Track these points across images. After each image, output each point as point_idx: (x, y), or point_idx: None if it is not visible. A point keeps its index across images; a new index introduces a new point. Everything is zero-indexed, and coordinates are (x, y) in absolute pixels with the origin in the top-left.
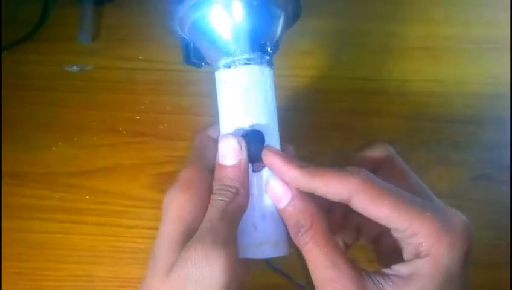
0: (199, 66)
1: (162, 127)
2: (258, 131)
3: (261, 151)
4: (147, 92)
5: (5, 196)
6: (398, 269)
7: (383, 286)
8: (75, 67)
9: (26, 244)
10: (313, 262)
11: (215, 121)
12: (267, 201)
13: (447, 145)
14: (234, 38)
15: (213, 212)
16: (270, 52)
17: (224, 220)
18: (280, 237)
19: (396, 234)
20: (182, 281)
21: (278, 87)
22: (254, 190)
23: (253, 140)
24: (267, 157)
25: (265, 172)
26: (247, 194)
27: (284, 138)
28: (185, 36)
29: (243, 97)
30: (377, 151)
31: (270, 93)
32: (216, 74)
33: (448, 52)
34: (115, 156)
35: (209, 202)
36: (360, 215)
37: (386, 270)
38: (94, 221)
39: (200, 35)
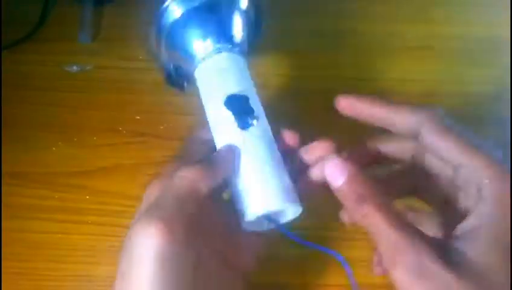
0: (182, 87)
1: (162, 127)
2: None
3: (248, 107)
4: (147, 92)
5: (5, 196)
6: (465, 224)
7: (455, 245)
8: (75, 67)
9: (26, 244)
10: (379, 231)
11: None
12: (260, 160)
13: None
14: (204, 36)
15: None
16: (239, 44)
17: (162, 196)
18: (280, 191)
19: (459, 175)
20: (122, 251)
21: (277, 87)
22: (244, 148)
23: (238, 99)
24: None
25: (254, 129)
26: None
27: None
28: (164, 59)
29: (220, 75)
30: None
31: (246, 74)
32: (196, 72)
33: (448, 52)
34: (115, 156)
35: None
36: (426, 175)
37: (454, 232)
38: (94, 221)
39: (176, 46)
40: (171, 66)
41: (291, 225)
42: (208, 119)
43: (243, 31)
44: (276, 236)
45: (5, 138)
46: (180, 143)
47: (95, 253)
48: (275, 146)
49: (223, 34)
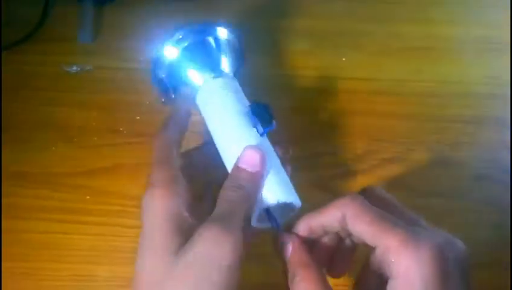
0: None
1: None
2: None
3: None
4: (147, 92)
5: (5, 196)
6: None
7: None
8: (75, 68)
9: (26, 245)
10: None
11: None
12: (275, 162)
13: (447, 146)
14: (198, 68)
15: (224, 204)
16: (228, 70)
17: (232, 211)
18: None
19: (375, 256)
20: (192, 260)
21: (277, 87)
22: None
23: (260, 107)
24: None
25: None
26: (256, 194)
27: (284, 138)
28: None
29: (226, 93)
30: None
31: (241, 94)
32: (198, 96)
33: (447, 53)
34: (115, 156)
35: (183, 196)
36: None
37: None
38: (94, 221)
39: (175, 80)
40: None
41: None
42: (217, 132)
43: (230, 58)
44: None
45: (5, 138)
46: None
47: (95, 253)
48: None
49: (215, 63)
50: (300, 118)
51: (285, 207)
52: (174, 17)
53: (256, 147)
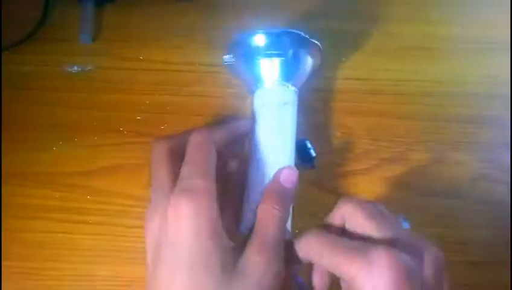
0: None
1: (162, 127)
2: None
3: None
4: (148, 92)
5: (6, 196)
6: None
7: None
8: (76, 68)
9: (27, 244)
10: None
11: (211, 122)
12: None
13: (446, 145)
14: (277, 71)
15: (274, 225)
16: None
17: (276, 232)
18: None
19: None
20: (248, 285)
21: None
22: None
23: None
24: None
25: None
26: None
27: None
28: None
29: (284, 110)
30: (340, 211)
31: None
32: (258, 93)
33: (445, 52)
34: (116, 156)
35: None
36: None
37: None
38: (95, 221)
39: (252, 64)
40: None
41: None
42: (261, 141)
43: (307, 74)
44: None
45: (6, 138)
46: None
47: (95, 253)
48: None
49: (293, 74)
50: (300, 118)
51: None
52: (174, 18)
53: (293, 167)
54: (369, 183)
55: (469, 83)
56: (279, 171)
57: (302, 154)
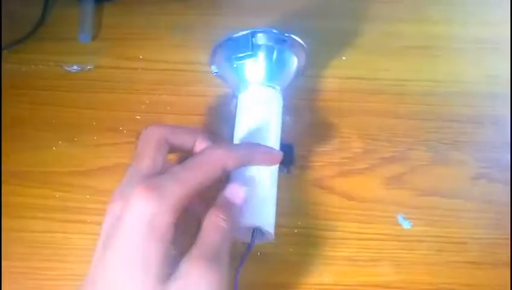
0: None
1: None
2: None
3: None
4: (147, 92)
5: (6, 195)
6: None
7: None
8: (75, 67)
9: (27, 244)
10: None
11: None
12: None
13: (446, 145)
14: (261, 72)
15: (213, 234)
16: (279, 87)
17: (220, 244)
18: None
19: None
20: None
21: None
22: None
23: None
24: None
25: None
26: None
27: (283, 138)
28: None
29: (267, 107)
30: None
31: (280, 111)
32: (243, 94)
33: (446, 52)
34: (116, 156)
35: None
36: None
37: None
38: (95, 220)
39: (233, 67)
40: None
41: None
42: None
43: (290, 72)
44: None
45: (6, 137)
46: None
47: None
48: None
49: (274, 73)
50: (300, 118)
51: (262, 235)
52: (173, 17)
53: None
54: (369, 182)
55: (469, 82)
56: (227, 186)
57: (284, 158)
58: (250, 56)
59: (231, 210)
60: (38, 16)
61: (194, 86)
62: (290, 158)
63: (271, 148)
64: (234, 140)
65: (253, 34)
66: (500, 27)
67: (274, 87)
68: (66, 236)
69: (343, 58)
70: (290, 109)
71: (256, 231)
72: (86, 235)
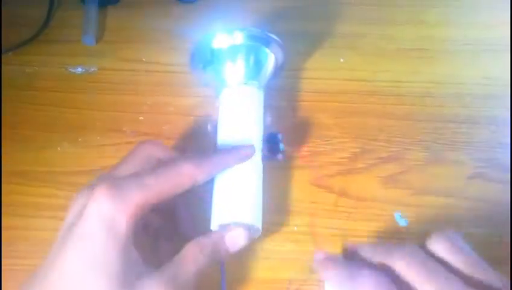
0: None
1: (164, 127)
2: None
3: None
4: (150, 93)
5: (10, 194)
6: None
7: None
8: (79, 69)
9: (31, 242)
10: None
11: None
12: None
13: (443, 145)
14: (238, 70)
15: (190, 265)
16: (260, 84)
17: (192, 276)
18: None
19: None
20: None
21: (276, 87)
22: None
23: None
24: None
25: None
26: None
27: (283, 139)
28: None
29: (250, 105)
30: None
31: (262, 108)
32: (224, 92)
33: (444, 54)
34: (119, 156)
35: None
36: None
37: None
38: None
39: (213, 67)
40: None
41: None
42: (225, 136)
43: (269, 70)
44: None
45: (11, 137)
46: (182, 143)
47: None
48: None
49: (253, 70)
50: (299, 118)
51: (251, 230)
52: (175, 19)
53: (244, 230)
54: (367, 182)
55: (467, 83)
56: (229, 228)
57: (271, 147)
58: (210, 63)
59: (219, 250)
60: (43, 19)
61: (196, 87)
62: (277, 146)
63: (239, 147)
64: (218, 138)
65: (214, 39)
66: (496, 29)
67: (252, 85)
68: None
69: (342, 60)
70: (288, 109)
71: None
72: None
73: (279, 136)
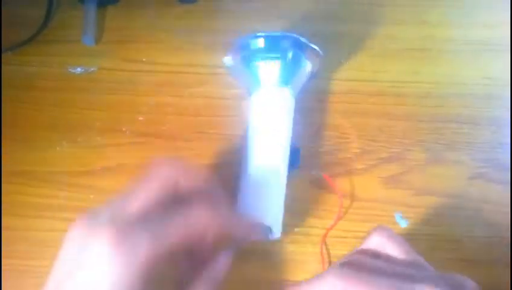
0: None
1: (164, 128)
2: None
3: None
4: (150, 93)
5: (10, 195)
6: None
7: None
8: (79, 69)
9: (31, 242)
10: None
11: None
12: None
13: (443, 145)
14: (274, 73)
15: None
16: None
17: None
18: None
19: None
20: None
21: None
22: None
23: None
24: None
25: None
26: None
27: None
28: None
29: (280, 112)
30: (373, 241)
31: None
32: (256, 94)
33: (445, 54)
34: (119, 156)
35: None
36: None
37: None
38: None
39: (249, 65)
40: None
41: None
42: (256, 139)
43: (304, 77)
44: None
45: (11, 137)
46: (183, 143)
47: None
48: None
49: (290, 79)
50: (300, 119)
51: (270, 233)
52: (175, 20)
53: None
54: (367, 182)
55: (468, 84)
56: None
57: (291, 160)
58: (278, 58)
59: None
60: (42, 19)
61: (196, 88)
62: (297, 160)
63: (255, 225)
64: (248, 139)
65: (284, 37)
66: (497, 29)
67: (287, 90)
68: None
69: (341, 60)
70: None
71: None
72: None
73: (299, 151)
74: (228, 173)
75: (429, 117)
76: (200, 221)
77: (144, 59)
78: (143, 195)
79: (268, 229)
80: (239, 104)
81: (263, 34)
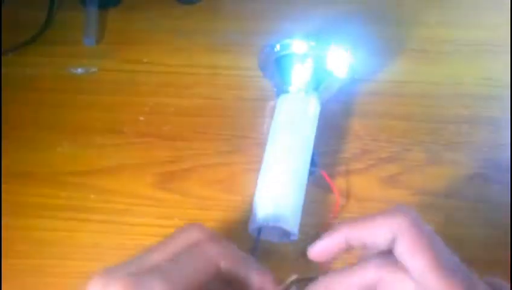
0: None
1: (165, 128)
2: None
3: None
4: (151, 94)
5: (11, 195)
6: None
7: None
8: (80, 70)
9: (32, 242)
10: None
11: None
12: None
13: (442, 146)
14: (306, 77)
15: None
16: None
17: None
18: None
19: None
20: None
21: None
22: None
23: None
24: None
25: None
26: None
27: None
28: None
29: (305, 116)
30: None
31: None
32: (283, 96)
33: (444, 54)
34: (119, 156)
35: None
36: None
37: None
38: (99, 219)
39: (280, 67)
40: None
41: None
42: (279, 140)
43: (336, 83)
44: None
45: (12, 138)
46: (183, 143)
47: (99, 250)
48: None
49: (318, 85)
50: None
51: (284, 233)
52: (176, 21)
53: None
54: (367, 182)
55: (466, 84)
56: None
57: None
58: (279, 66)
59: None
60: (44, 20)
61: (196, 89)
62: (314, 163)
63: (265, 273)
64: (270, 140)
65: (323, 44)
66: (496, 30)
67: (314, 96)
68: (70, 234)
69: None
70: None
71: (262, 230)
72: (90, 233)
73: (316, 157)
74: None
75: (429, 117)
76: (207, 255)
77: (144, 60)
78: (162, 250)
79: (285, 232)
80: (260, 106)
81: (302, 38)
